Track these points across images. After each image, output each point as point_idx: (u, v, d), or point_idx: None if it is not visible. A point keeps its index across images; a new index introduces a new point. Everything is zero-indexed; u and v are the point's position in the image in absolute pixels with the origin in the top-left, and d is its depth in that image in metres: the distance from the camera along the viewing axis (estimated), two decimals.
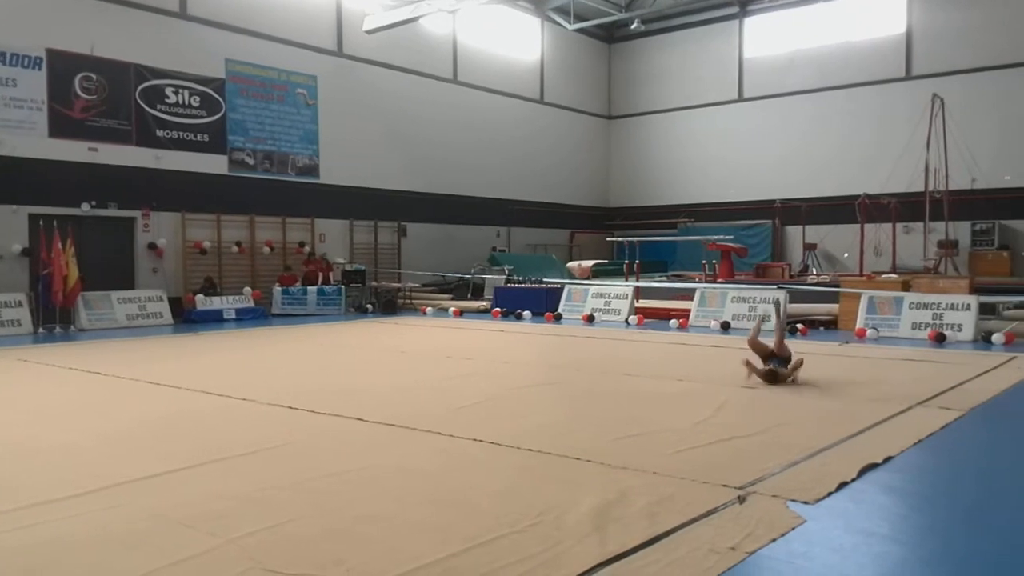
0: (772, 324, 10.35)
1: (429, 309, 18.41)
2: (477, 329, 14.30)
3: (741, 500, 4.09)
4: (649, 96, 28.11)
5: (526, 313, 16.68)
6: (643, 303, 16.26)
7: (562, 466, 4.83)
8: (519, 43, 25.58)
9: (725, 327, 13.83)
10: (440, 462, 4.98)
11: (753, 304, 14.16)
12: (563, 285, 17.57)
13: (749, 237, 24.48)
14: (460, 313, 17.66)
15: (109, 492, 4.33)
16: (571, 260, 24.81)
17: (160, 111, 16.64)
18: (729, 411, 6.51)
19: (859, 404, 6.79)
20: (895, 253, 19.94)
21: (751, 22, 25.83)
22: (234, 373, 9.29)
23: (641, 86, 28.33)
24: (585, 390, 7.83)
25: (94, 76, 15.61)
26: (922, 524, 3.98)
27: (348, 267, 19.40)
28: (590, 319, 15.65)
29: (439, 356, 10.42)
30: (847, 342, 11.79)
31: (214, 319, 15.95)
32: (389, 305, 18.60)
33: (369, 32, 20.30)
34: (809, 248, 22.68)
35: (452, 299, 19.53)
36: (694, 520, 3.79)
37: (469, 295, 19.68)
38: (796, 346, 8.66)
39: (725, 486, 4.32)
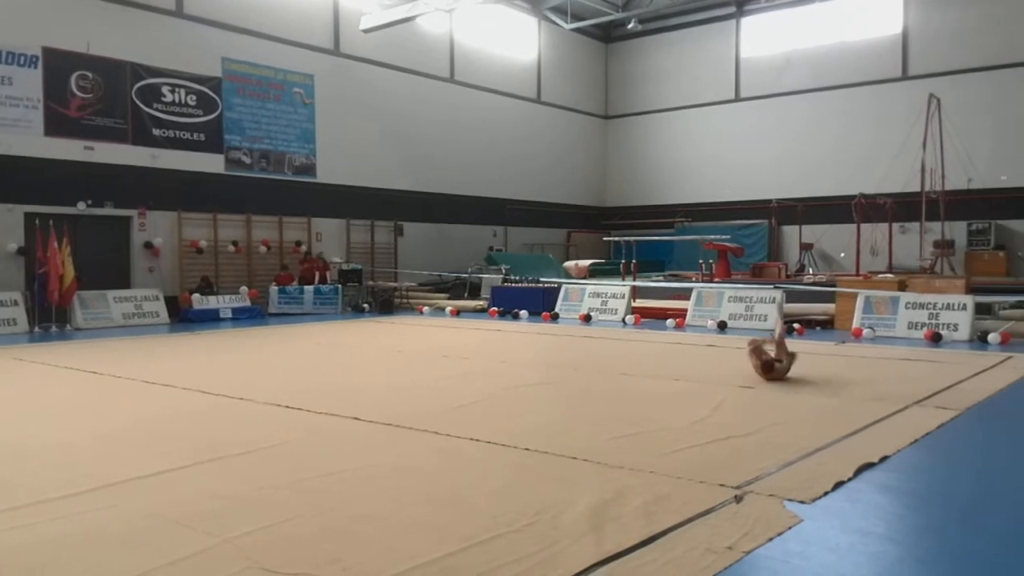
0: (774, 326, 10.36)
1: (426, 308, 18.39)
2: (474, 328, 14.30)
3: (738, 499, 4.10)
4: (646, 96, 28.12)
5: (523, 312, 16.68)
6: (640, 303, 16.29)
7: (559, 465, 4.83)
8: (516, 42, 25.56)
9: (722, 327, 13.85)
10: (437, 461, 4.98)
11: (750, 304, 14.18)
12: (560, 285, 17.56)
13: (745, 237, 24.49)
14: (457, 312, 17.65)
15: (105, 491, 4.32)
16: (568, 260, 24.83)
17: (156, 110, 16.60)
18: (726, 411, 6.52)
19: (855, 404, 6.80)
20: (891, 253, 19.97)
21: (748, 22, 25.86)
22: (230, 372, 9.27)
23: (638, 86, 28.34)
24: (582, 389, 7.83)
25: (90, 74, 15.57)
26: (918, 523, 3.99)
27: (345, 266, 19.38)
28: (587, 319, 15.65)
29: (436, 355, 10.41)
30: (843, 342, 11.81)
31: (210, 318, 15.92)
32: (386, 304, 18.57)
33: (366, 31, 20.28)
34: (805, 248, 22.68)
35: (449, 298, 19.51)
36: (691, 519, 3.79)
37: (466, 294, 19.67)
38: (793, 346, 8.67)
39: (722, 485, 4.33)
